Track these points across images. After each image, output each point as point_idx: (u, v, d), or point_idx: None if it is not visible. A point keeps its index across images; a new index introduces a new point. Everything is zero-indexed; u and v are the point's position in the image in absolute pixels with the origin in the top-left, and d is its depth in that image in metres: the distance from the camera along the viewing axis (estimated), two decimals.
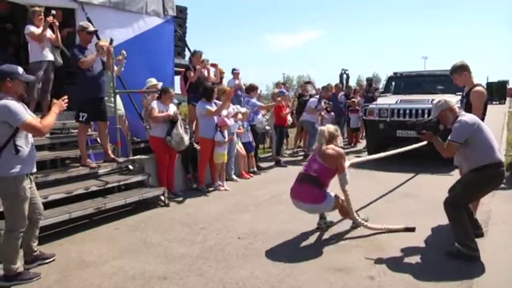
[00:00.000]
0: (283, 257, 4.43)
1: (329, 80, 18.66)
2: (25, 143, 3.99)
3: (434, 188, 5.37)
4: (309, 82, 14.99)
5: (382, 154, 6.43)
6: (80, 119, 6.10)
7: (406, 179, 7.83)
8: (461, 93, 9.09)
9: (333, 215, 5.32)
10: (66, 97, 4.35)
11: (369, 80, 14.05)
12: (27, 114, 3.92)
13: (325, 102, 11.32)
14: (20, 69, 4.08)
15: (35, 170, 4.18)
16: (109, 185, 6.16)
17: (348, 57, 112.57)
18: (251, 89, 9.73)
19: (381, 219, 5.45)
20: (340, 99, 13.23)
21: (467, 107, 5.03)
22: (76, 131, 6.54)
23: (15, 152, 3.86)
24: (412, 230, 5.02)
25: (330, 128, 5.14)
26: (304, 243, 4.88)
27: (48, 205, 5.32)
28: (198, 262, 4.37)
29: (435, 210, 5.15)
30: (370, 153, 9.93)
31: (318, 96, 11.41)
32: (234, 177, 8.33)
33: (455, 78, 5.24)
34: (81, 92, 6.12)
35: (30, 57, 6.40)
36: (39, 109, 6.30)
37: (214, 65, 8.99)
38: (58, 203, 5.37)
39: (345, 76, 15.53)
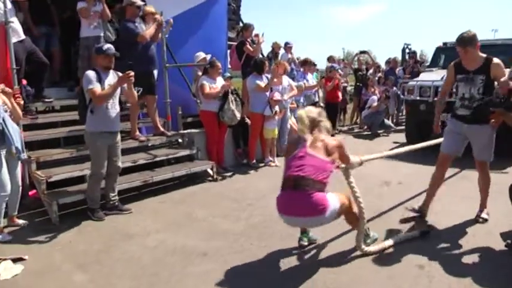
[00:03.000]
0: (329, 239, 4.19)
1: (391, 55, 17.53)
2: (101, 107, 4.69)
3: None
4: (364, 52, 14.05)
5: (403, 149, 5.21)
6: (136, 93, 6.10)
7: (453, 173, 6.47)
8: None
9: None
10: (131, 72, 4.75)
11: (411, 53, 12.84)
12: (94, 84, 4.62)
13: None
14: (106, 46, 4.82)
15: (114, 129, 4.92)
16: (157, 159, 6.18)
17: (412, 31, 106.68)
18: (304, 63, 9.42)
19: (439, 203, 5.07)
20: (399, 74, 12.51)
21: (488, 87, 4.23)
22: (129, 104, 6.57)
23: (90, 112, 4.72)
24: (427, 232, 4.25)
25: (310, 112, 3.71)
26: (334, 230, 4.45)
27: None
28: (240, 239, 4.26)
29: (499, 196, 4.63)
30: (408, 139, 8.79)
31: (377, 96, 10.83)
32: None
33: (468, 51, 4.21)
34: (134, 66, 6.09)
35: (80, 33, 6.48)
36: None
37: (255, 36, 8.71)
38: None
39: (407, 51, 14.59)
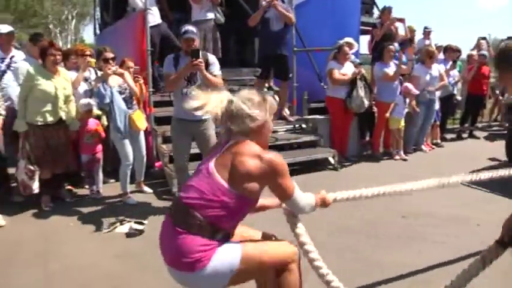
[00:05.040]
0: (448, 246, 3.71)
1: None
2: (177, 93, 4.43)
3: None
4: (485, 38, 12.03)
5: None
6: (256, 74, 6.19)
7: None
8: None
9: None
10: (196, 60, 4.10)
11: None
12: (167, 68, 4.41)
13: None
14: (184, 29, 4.43)
15: (190, 118, 4.19)
16: (278, 143, 6.18)
17: None
18: (446, 49, 8.59)
19: None
20: None
21: None
22: None
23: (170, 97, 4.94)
24: None
25: (243, 97, 2.14)
26: (469, 236, 3.94)
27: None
28: (358, 236, 4.03)
29: None
30: (509, 157, 6.48)
31: None
32: (423, 147, 7.57)
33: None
34: (259, 49, 6.17)
35: (192, 17, 6.66)
36: None
37: (401, 20, 8.09)
38: None
39: None
